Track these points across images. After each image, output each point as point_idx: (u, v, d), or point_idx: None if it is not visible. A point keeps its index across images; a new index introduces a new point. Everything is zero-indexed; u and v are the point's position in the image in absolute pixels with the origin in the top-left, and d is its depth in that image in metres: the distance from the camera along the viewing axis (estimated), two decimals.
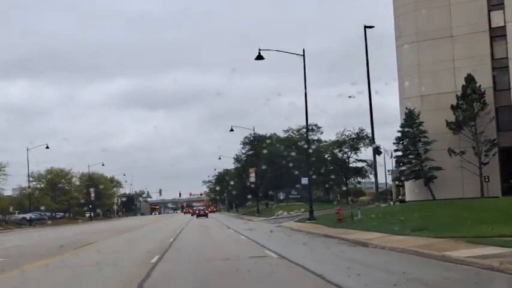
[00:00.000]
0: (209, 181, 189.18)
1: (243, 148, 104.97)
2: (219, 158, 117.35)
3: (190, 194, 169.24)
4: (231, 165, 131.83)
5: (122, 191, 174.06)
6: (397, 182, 68.92)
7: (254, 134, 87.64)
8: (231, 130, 73.24)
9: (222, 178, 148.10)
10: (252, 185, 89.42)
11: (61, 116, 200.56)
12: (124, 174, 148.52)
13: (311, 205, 46.69)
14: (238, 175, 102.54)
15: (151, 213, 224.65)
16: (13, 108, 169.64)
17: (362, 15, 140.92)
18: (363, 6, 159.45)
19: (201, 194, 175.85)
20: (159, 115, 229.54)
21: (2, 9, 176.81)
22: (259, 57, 41.20)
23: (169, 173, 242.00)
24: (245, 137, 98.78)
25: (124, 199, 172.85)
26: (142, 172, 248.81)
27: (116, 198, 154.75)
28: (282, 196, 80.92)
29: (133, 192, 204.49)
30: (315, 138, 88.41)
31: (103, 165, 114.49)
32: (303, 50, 43.41)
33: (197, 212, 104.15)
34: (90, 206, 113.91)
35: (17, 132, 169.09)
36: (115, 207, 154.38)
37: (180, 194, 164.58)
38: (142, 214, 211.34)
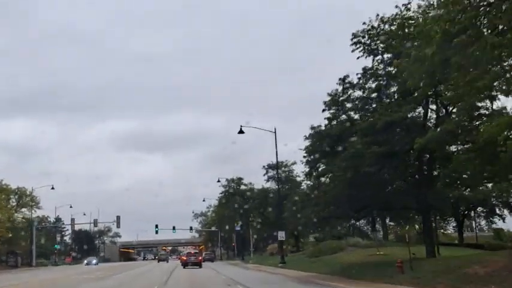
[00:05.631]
0: (202, 214, 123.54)
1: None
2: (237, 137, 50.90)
3: (174, 228, 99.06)
4: None
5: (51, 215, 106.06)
6: None
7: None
8: None
9: (228, 199, 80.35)
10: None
11: (58, 156, 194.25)
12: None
13: None
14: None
15: (119, 260, 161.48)
16: (12, 146, 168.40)
17: None
18: None
19: (190, 229, 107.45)
20: (155, 158, 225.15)
21: (8, 44, 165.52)
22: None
23: (157, 216, 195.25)
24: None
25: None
26: (128, 215, 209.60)
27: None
28: None
29: (93, 228, 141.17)
30: None
31: None
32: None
33: (184, 258, 60.28)
34: None
35: (14, 171, 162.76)
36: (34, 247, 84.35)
37: (156, 227, 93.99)
38: (106, 260, 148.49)
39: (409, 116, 24.87)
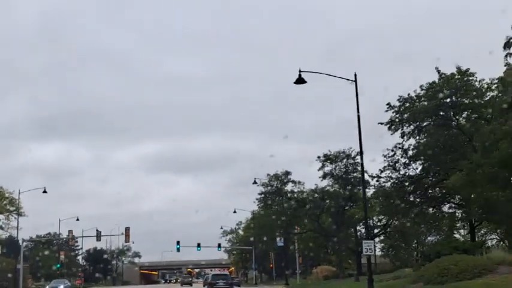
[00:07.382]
0: (232, 231, 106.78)
1: None
2: None
3: (199, 246, 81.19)
4: None
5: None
6: None
7: None
8: None
9: (268, 205, 62.10)
10: None
11: (89, 179, 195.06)
12: None
13: None
14: None
15: (140, 282, 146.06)
16: (42, 168, 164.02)
17: None
18: None
19: (219, 246, 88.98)
20: (183, 179, 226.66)
21: (41, 67, 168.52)
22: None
23: (183, 238, 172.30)
24: None
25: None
26: (153, 236, 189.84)
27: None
28: None
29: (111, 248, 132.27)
30: None
31: None
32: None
33: (212, 283, 49.02)
34: None
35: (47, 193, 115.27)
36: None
37: (177, 243, 76.42)
38: (125, 282, 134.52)
39: None
